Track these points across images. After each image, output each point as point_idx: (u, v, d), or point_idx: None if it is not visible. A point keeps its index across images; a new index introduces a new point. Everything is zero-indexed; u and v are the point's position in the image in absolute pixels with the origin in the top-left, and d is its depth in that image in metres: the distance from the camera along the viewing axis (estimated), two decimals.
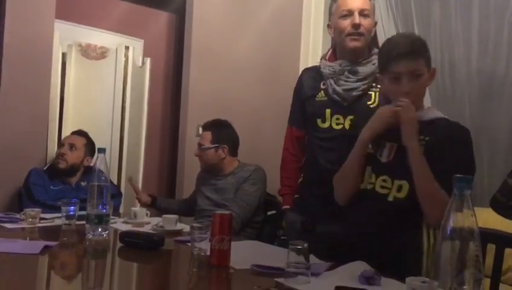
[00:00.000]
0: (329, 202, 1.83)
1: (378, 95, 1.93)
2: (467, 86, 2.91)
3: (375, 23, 2.04)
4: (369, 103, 1.95)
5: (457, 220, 0.90)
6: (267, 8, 3.70)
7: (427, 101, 2.97)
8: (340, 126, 1.97)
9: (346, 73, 1.97)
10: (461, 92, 2.94)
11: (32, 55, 2.82)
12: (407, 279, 1.17)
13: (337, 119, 1.98)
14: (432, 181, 1.50)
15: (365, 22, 1.95)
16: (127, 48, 3.32)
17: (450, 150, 1.54)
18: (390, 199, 1.60)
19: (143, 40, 3.50)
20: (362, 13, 1.96)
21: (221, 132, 2.66)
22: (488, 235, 1.60)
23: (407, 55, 1.57)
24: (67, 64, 3.11)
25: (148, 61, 3.39)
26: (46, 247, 1.60)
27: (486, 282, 1.49)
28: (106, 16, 3.33)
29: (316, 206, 2.01)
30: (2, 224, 2.03)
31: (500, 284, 1.61)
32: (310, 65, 3.83)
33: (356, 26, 1.94)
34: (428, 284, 0.97)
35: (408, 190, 1.57)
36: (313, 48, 3.84)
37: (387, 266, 1.42)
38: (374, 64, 1.93)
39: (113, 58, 3.27)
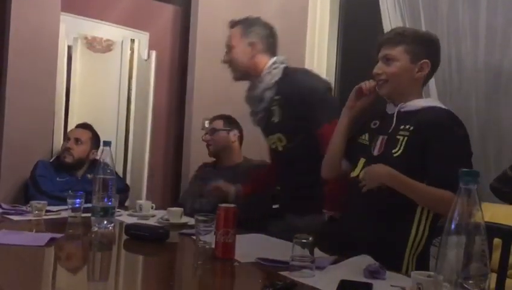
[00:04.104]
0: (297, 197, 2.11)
1: (281, 108, 2.09)
2: (473, 80, 2.89)
3: (250, 43, 2.16)
4: (272, 119, 2.13)
5: (464, 214, 0.90)
6: (273, 1, 3.68)
7: (432, 94, 2.96)
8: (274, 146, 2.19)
9: (251, 99, 2.24)
10: (468, 86, 2.91)
11: (38, 48, 2.83)
12: (413, 273, 1.17)
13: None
14: (422, 193, 1.55)
15: (230, 55, 2.20)
16: (132, 40, 3.31)
17: (433, 139, 1.56)
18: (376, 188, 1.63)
19: (148, 33, 3.49)
20: (228, 47, 2.21)
21: (232, 121, 2.78)
22: (494, 230, 1.59)
23: (384, 43, 1.69)
24: (73, 57, 3.11)
25: (153, 54, 3.39)
26: (52, 239, 1.61)
27: (493, 277, 1.48)
28: (112, 8, 3.32)
29: (284, 197, 2.26)
30: (9, 216, 2.04)
31: (507, 279, 1.61)
32: (315, 60, 3.84)
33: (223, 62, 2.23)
34: (433, 279, 0.97)
35: None
36: (318, 43, 3.82)
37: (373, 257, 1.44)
38: (262, 82, 2.12)
39: (118, 51, 3.27)
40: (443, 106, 1.67)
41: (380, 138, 1.68)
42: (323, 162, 1.87)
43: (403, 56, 1.65)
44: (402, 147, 1.59)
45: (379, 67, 1.69)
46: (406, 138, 1.60)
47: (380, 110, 1.76)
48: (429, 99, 1.70)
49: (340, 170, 1.83)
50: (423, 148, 1.56)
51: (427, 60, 1.65)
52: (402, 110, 1.66)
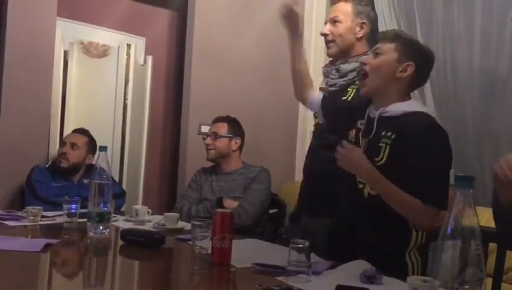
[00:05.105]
0: (317, 194, 2.02)
1: (355, 91, 1.97)
2: (469, 85, 2.90)
3: (359, 24, 2.06)
4: (343, 98, 2.01)
5: (459, 219, 0.90)
6: (269, 6, 3.69)
7: (428, 98, 2.97)
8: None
9: (333, 71, 2.09)
10: (463, 91, 2.92)
11: (34, 53, 2.82)
12: (409, 278, 1.17)
13: None
14: (393, 197, 1.56)
15: (334, 29, 2.07)
16: (128, 46, 3.31)
17: (411, 149, 1.56)
18: (365, 194, 1.65)
19: (145, 38, 3.50)
20: (333, 20, 2.08)
21: (236, 126, 2.75)
22: (490, 235, 1.59)
23: (381, 39, 1.73)
24: (69, 62, 3.11)
25: (149, 59, 3.39)
26: (47, 245, 1.60)
27: (488, 281, 1.49)
28: (108, 13, 3.32)
29: (304, 199, 2.16)
30: (4, 222, 2.03)
31: (502, 283, 1.61)
32: (311, 66, 3.84)
33: (322, 35, 2.11)
34: (429, 284, 0.97)
35: None
36: (314, 48, 3.83)
37: (374, 265, 1.43)
38: (357, 61, 1.98)
39: (115, 56, 3.27)
40: (424, 110, 1.68)
41: (363, 141, 1.69)
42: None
43: (391, 53, 1.66)
44: (385, 157, 1.59)
45: (366, 58, 1.73)
46: (388, 147, 1.60)
47: (365, 111, 1.76)
48: (411, 103, 1.69)
49: (304, 93, 2.08)
50: (403, 157, 1.57)
51: (412, 63, 1.65)
52: (383, 115, 1.66)
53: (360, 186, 1.67)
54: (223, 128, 2.70)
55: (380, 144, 1.61)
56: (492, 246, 1.61)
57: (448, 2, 3.00)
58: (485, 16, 2.84)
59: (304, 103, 2.13)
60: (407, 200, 1.54)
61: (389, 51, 1.67)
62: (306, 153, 2.25)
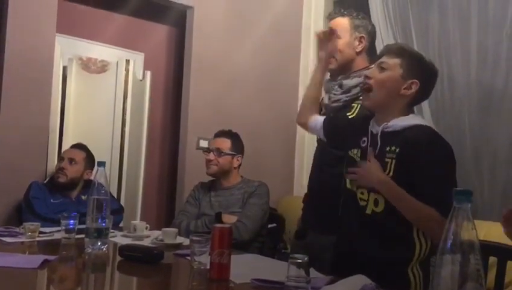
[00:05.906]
0: (319, 211, 2.03)
1: (360, 107, 1.95)
2: (465, 98, 2.91)
3: (358, 38, 2.06)
4: (348, 113, 1.99)
5: (458, 233, 0.90)
6: (266, 20, 3.73)
7: (425, 112, 2.98)
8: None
9: (336, 87, 2.07)
10: (460, 104, 2.94)
11: (33, 68, 2.84)
12: None
13: None
14: (411, 207, 1.55)
15: (331, 45, 2.07)
16: (127, 61, 3.33)
17: (417, 162, 1.56)
18: (368, 211, 1.64)
19: (143, 54, 3.52)
20: (330, 33, 2.07)
21: (238, 142, 2.72)
22: (490, 248, 1.59)
23: (386, 53, 1.72)
24: (68, 77, 3.12)
25: (148, 74, 3.40)
26: (45, 261, 1.59)
27: None
28: (107, 29, 3.35)
29: (309, 215, 2.14)
30: (1, 238, 2.02)
31: None
32: (309, 77, 3.86)
33: None
34: None
35: (385, 203, 1.60)
36: (313, 60, 3.85)
37: (376, 280, 1.41)
38: (360, 76, 1.96)
39: (113, 72, 3.28)
40: (424, 123, 1.68)
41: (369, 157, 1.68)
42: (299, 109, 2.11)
43: (396, 68, 1.66)
44: (392, 171, 1.59)
45: (371, 72, 1.72)
46: (393, 161, 1.60)
47: (368, 127, 1.76)
48: (411, 117, 1.69)
49: (307, 118, 2.04)
50: (410, 170, 1.57)
51: (416, 81, 1.65)
52: (386, 130, 1.66)
53: (362, 203, 1.66)
54: (226, 144, 2.66)
55: (386, 159, 1.61)
56: (492, 260, 1.61)
57: (444, 15, 3.02)
58: (480, 29, 2.86)
59: (304, 126, 2.10)
60: (425, 210, 1.52)
61: (394, 66, 1.66)
62: (310, 169, 2.24)
